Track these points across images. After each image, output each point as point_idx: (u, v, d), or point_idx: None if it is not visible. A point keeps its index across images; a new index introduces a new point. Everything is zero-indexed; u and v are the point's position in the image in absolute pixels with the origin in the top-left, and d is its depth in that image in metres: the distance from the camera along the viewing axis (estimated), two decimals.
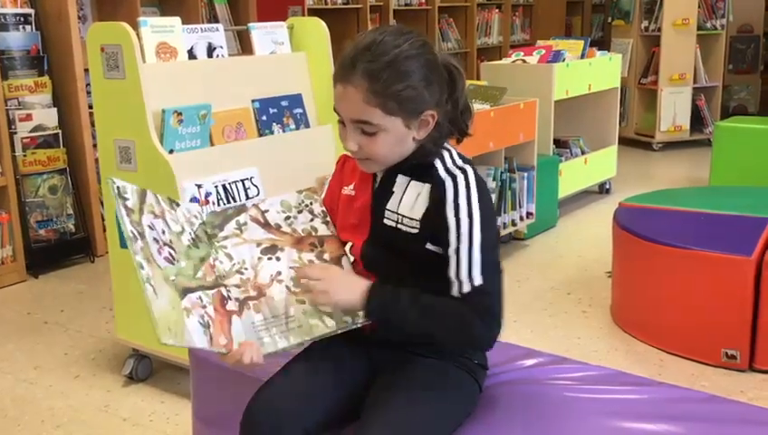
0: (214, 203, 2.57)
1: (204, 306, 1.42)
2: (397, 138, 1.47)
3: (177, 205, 1.51)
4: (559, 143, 4.90)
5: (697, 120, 6.85)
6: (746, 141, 4.80)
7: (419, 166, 1.52)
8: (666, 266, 2.91)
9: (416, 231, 1.49)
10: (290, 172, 2.82)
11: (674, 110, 6.67)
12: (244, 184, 2.66)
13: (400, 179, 1.53)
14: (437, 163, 1.50)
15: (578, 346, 3.02)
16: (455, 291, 1.44)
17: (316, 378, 1.52)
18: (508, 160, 4.08)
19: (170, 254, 1.42)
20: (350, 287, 1.48)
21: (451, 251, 1.44)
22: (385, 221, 1.53)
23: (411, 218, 1.49)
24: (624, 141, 6.41)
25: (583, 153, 5.05)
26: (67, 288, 3.80)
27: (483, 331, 1.45)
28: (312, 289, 1.47)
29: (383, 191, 1.55)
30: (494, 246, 1.50)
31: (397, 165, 1.53)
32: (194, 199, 2.52)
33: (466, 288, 1.43)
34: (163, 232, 1.43)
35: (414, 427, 1.41)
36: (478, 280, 1.43)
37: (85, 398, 2.72)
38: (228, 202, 2.60)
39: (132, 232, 1.36)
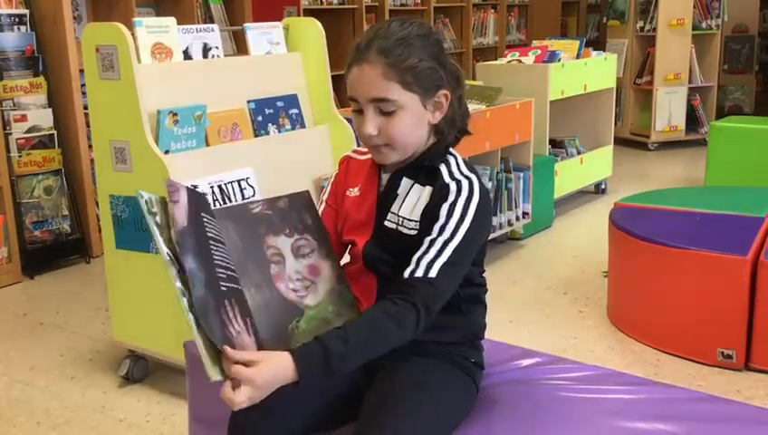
0: (210, 204, 2.56)
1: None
2: (414, 118, 1.48)
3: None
4: (555, 143, 4.90)
5: (693, 120, 6.85)
6: (741, 141, 4.81)
7: (424, 169, 1.53)
8: (662, 266, 2.92)
9: (414, 232, 1.50)
10: (286, 173, 2.82)
11: (669, 110, 6.68)
12: (239, 184, 2.66)
13: (404, 182, 1.55)
14: (442, 168, 1.52)
15: (574, 346, 3.02)
16: (407, 272, 1.43)
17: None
18: (504, 160, 4.08)
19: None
20: (276, 370, 1.28)
21: (427, 239, 1.44)
22: (386, 223, 1.54)
23: (410, 220, 1.51)
24: (620, 141, 6.41)
25: (579, 153, 5.06)
26: (63, 289, 3.79)
27: (412, 323, 1.38)
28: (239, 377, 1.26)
29: (388, 193, 1.56)
30: (469, 255, 1.48)
31: (403, 167, 1.55)
32: None
33: (419, 274, 1.42)
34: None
35: (412, 427, 1.40)
36: (433, 273, 1.41)
37: (81, 399, 2.71)
38: (224, 203, 2.59)
39: (168, 254, 1.28)
